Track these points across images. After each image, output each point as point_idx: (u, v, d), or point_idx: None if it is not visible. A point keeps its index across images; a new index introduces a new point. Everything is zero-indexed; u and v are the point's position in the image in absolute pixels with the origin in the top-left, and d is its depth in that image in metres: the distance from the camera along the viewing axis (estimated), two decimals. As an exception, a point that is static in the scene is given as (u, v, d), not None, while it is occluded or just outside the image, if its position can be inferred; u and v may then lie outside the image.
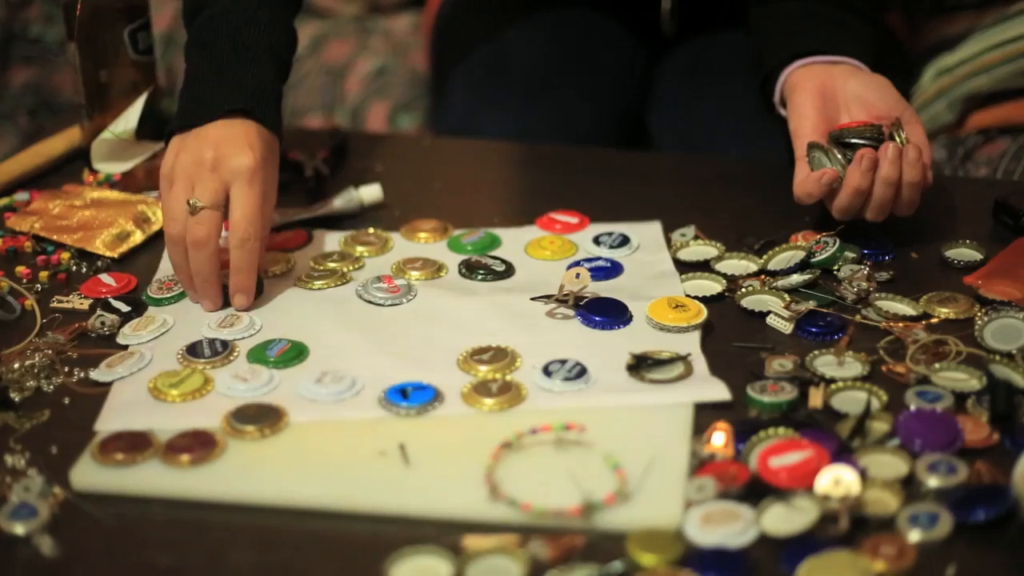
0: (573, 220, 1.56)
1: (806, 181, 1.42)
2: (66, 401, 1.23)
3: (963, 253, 1.45)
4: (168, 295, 1.40)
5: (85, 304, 1.39)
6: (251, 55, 1.45)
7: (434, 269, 1.46)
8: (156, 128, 1.66)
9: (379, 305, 1.38)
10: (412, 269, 1.46)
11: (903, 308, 1.34)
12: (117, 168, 1.65)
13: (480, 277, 1.44)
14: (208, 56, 1.46)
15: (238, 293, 1.37)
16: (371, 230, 1.54)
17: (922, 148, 1.41)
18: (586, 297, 1.36)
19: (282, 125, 1.45)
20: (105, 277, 1.44)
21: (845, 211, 1.42)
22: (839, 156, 1.42)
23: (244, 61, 1.44)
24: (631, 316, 1.34)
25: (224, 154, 1.36)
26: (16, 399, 1.23)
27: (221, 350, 1.29)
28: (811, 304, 1.34)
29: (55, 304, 1.39)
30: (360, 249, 1.50)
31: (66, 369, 1.27)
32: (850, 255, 1.43)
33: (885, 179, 1.39)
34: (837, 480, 1.05)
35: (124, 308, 1.37)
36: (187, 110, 1.42)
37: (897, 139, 1.42)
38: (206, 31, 1.47)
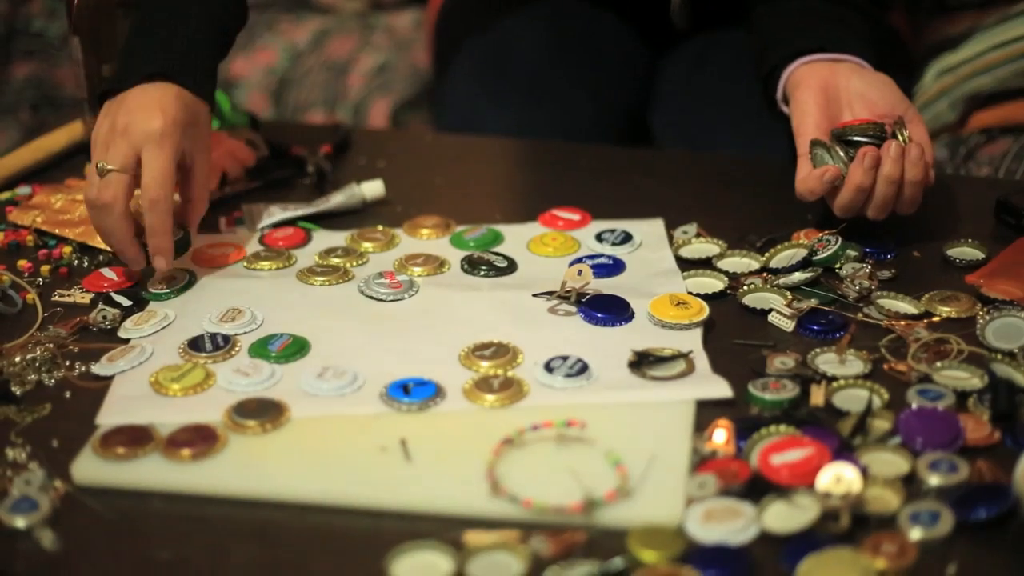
0: (575, 217, 1.56)
1: (808, 178, 1.42)
2: (67, 395, 1.23)
3: (965, 252, 1.45)
4: (167, 290, 1.39)
5: (86, 298, 1.39)
6: (180, 17, 1.45)
7: (436, 265, 1.46)
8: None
9: (381, 301, 1.38)
10: (414, 265, 1.46)
11: (905, 306, 1.34)
12: (119, 163, 1.65)
13: (482, 273, 1.44)
14: (140, 19, 1.47)
15: (157, 256, 1.38)
16: (379, 227, 1.54)
17: (924, 147, 1.41)
18: (588, 294, 1.36)
19: (212, 88, 1.45)
20: (107, 271, 1.44)
21: (847, 209, 1.42)
22: (841, 154, 1.42)
23: (172, 23, 1.45)
24: (633, 313, 1.34)
25: (135, 119, 1.36)
26: (17, 393, 1.23)
27: (223, 344, 1.29)
28: (813, 302, 1.34)
29: (56, 298, 1.39)
30: (365, 245, 1.50)
31: (67, 363, 1.27)
32: (852, 253, 1.43)
33: (887, 177, 1.39)
34: (838, 478, 1.05)
35: (126, 302, 1.37)
36: (115, 76, 1.44)
37: (899, 137, 1.42)
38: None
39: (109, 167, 1.35)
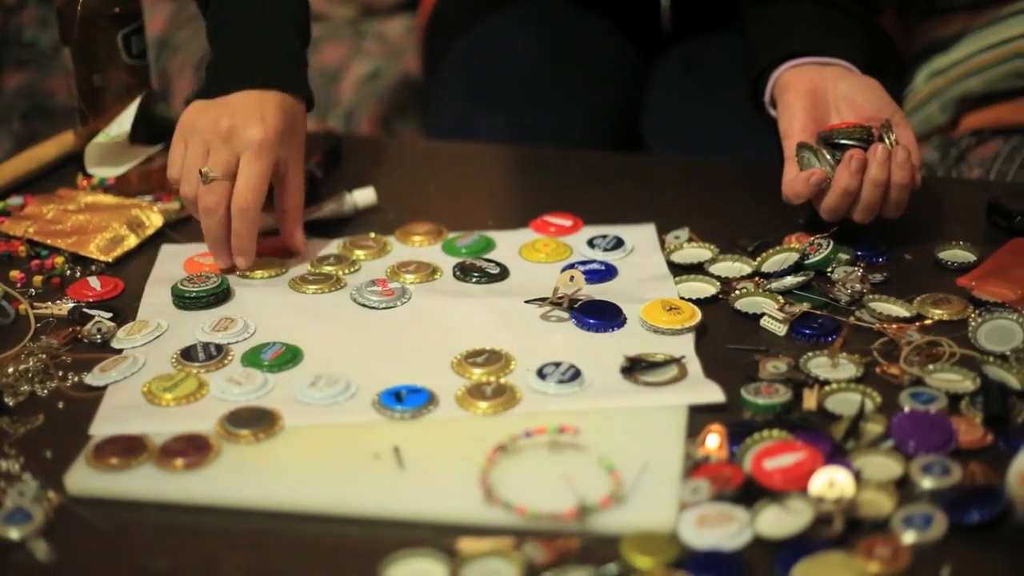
0: (567, 223, 1.56)
1: (795, 181, 1.43)
2: (60, 405, 1.23)
3: (956, 254, 1.46)
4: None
5: (64, 309, 1.39)
6: (272, 24, 1.50)
7: (428, 272, 1.46)
8: (150, 132, 1.67)
9: (373, 308, 1.39)
10: (406, 273, 1.46)
11: (897, 310, 1.34)
12: (111, 172, 1.65)
13: (474, 280, 1.45)
14: (220, 21, 1.51)
15: (239, 256, 1.43)
16: (371, 235, 1.55)
17: (911, 150, 1.42)
18: (580, 300, 1.36)
19: (310, 89, 1.51)
20: (93, 281, 1.44)
21: (833, 212, 1.42)
22: (828, 157, 1.42)
23: (266, 31, 1.50)
24: (625, 319, 1.34)
25: (238, 124, 1.41)
26: (10, 404, 1.23)
27: (215, 354, 1.29)
28: (805, 306, 1.34)
29: (36, 310, 1.39)
30: (357, 253, 1.50)
31: (60, 373, 1.27)
32: (844, 257, 1.43)
33: (874, 180, 1.39)
34: (831, 482, 1.05)
35: (105, 315, 1.36)
36: (212, 80, 1.47)
37: (886, 141, 1.42)
38: (227, 7, 1.53)
39: (213, 174, 1.39)
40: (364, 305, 1.39)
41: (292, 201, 1.48)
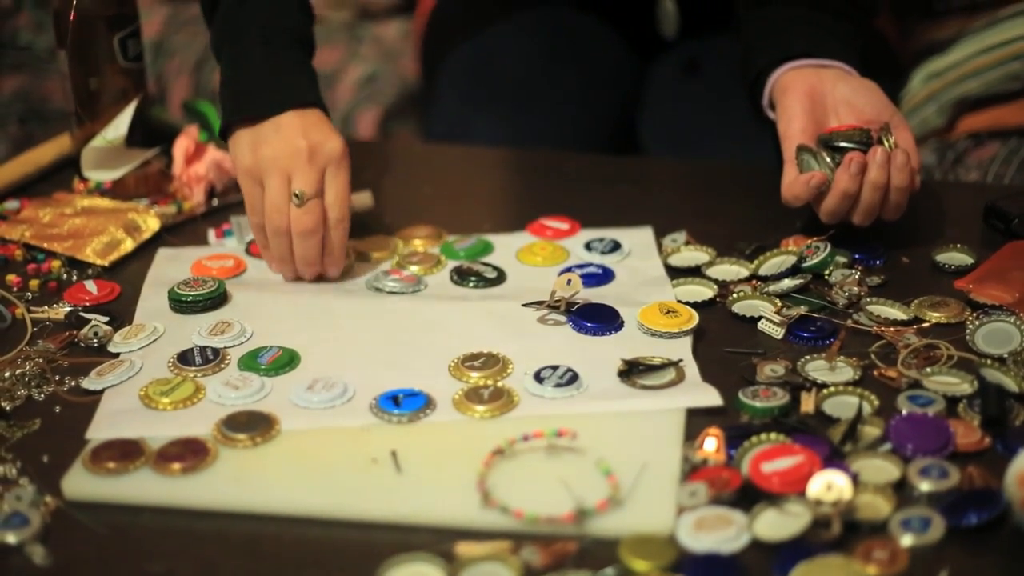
0: (564, 226, 1.56)
1: (794, 184, 1.42)
2: (57, 410, 1.23)
3: (954, 257, 1.46)
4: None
5: (60, 313, 1.38)
6: (285, 42, 1.51)
7: (433, 263, 1.48)
8: (146, 135, 1.67)
9: (397, 294, 1.42)
10: (412, 264, 1.48)
11: (894, 312, 1.34)
12: (107, 176, 1.65)
13: (472, 284, 1.45)
14: (245, 47, 1.50)
15: (330, 268, 1.45)
16: (379, 236, 1.56)
17: (910, 153, 1.42)
18: (577, 303, 1.36)
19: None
20: (89, 284, 1.44)
21: (832, 214, 1.42)
22: (828, 159, 1.42)
23: (285, 50, 1.50)
24: (622, 322, 1.34)
25: (316, 141, 1.41)
26: (7, 408, 1.22)
27: (212, 358, 1.29)
28: (802, 309, 1.34)
29: (31, 314, 1.38)
30: (364, 252, 1.52)
31: (57, 378, 1.27)
32: (841, 260, 1.43)
33: (873, 183, 1.39)
34: (829, 485, 1.05)
35: (102, 319, 1.36)
36: (245, 105, 1.46)
37: (886, 143, 1.42)
38: (233, 21, 1.51)
39: (308, 195, 1.39)
40: (383, 291, 1.43)
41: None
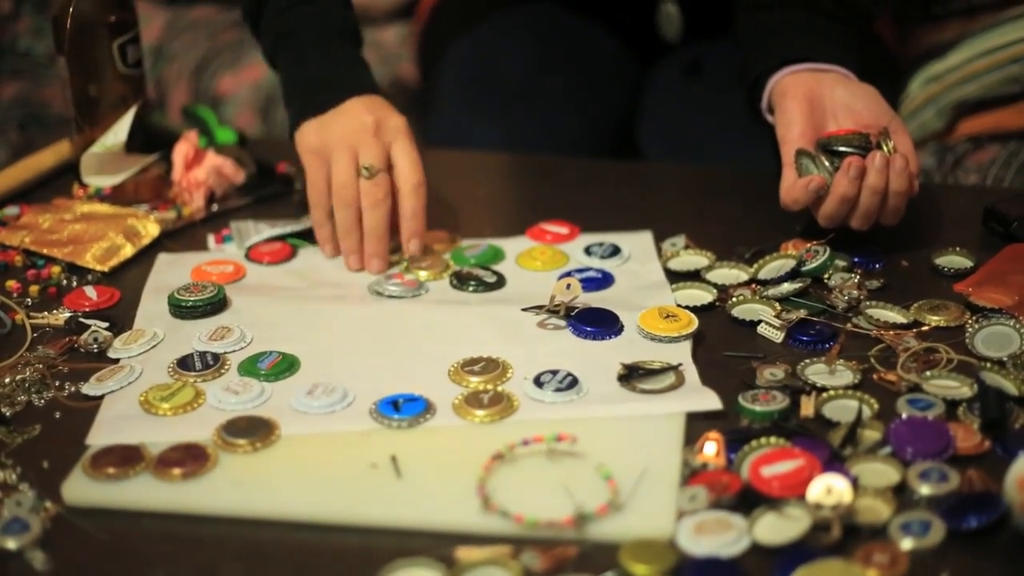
0: (563, 231, 1.56)
1: (793, 188, 1.43)
2: (57, 415, 1.23)
3: (953, 260, 1.45)
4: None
5: (60, 319, 1.39)
6: (337, 40, 1.57)
7: (442, 268, 1.48)
8: (145, 141, 1.67)
9: (399, 298, 1.42)
10: (420, 269, 1.48)
11: (894, 316, 1.34)
12: (107, 181, 1.65)
13: (471, 289, 1.45)
14: (300, 52, 1.56)
15: (413, 238, 1.49)
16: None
17: (909, 158, 1.41)
18: (577, 307, 1.36)
19: None
20: (89, 290, 1.44)
21: (831, 218, 1.42)
22: (826, 163, 1.42)
23: (338, 48, 1.57)
24: (622, 326, 1.34)
25: (382, 116, 1.48)
26: (7, 414, 1.22)
27: (212, 363, 1.29)
28: (802, 313, 1.34)
29: (32, 320, 1.38)
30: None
31: (57, 383, 1.27)
32: (840, 263, 1.43)
33: (872, 188, 1.39)
34: (829, 489, 1.05)
35: (102, 325, 1.36)
36: (311, 96, 1.52)
37: (884, 148, 1.42)
38: (283, 29, 1.57)
39: (377, 167, 1.45)
40: (384, 295, 1.43)
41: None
